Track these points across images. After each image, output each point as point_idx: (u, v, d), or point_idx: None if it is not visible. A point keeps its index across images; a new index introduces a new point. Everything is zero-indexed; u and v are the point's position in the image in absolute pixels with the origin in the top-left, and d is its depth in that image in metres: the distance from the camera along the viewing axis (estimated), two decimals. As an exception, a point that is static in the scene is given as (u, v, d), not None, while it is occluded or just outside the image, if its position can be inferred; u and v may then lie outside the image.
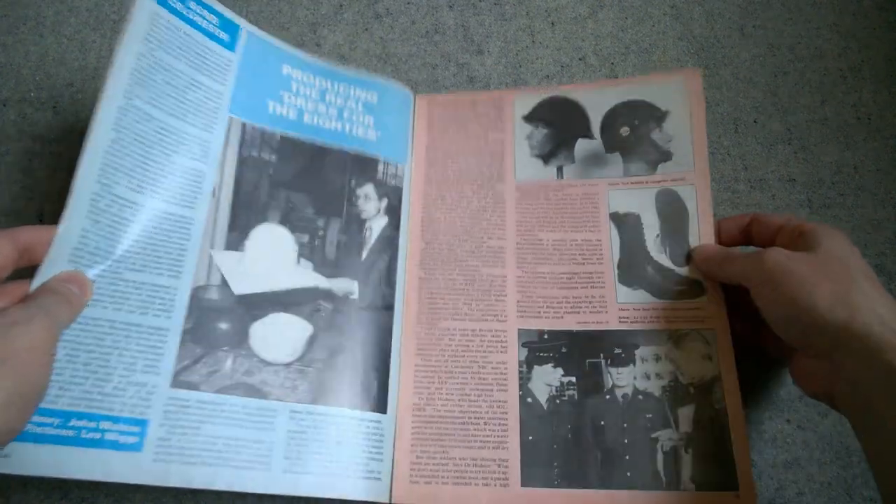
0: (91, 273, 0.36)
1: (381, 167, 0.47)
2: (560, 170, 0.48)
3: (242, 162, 0.44)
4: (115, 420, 0.35)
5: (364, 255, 0.44)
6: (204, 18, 0.45)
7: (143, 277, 0.38)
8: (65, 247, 0.36)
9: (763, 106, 0.54)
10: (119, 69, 0.39)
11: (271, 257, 0.42)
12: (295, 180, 0.45)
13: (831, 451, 0.44)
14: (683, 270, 0.44)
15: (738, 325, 0.43)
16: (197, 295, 0.39)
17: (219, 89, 0.44)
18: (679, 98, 0.47)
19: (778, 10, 0.58)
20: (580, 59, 0.56)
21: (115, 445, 0.35)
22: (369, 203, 0.46)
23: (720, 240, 0.44)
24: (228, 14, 0.46)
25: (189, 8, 0.44)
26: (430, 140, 0.50)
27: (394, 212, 0.46)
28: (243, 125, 0.45)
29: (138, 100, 0.40)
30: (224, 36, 0.45)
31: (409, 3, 0.58)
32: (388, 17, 0.57)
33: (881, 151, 0.52)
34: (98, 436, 0.35)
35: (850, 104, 0.54)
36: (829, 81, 0.55)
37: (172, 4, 0.43)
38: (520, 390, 0.42)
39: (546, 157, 0.48)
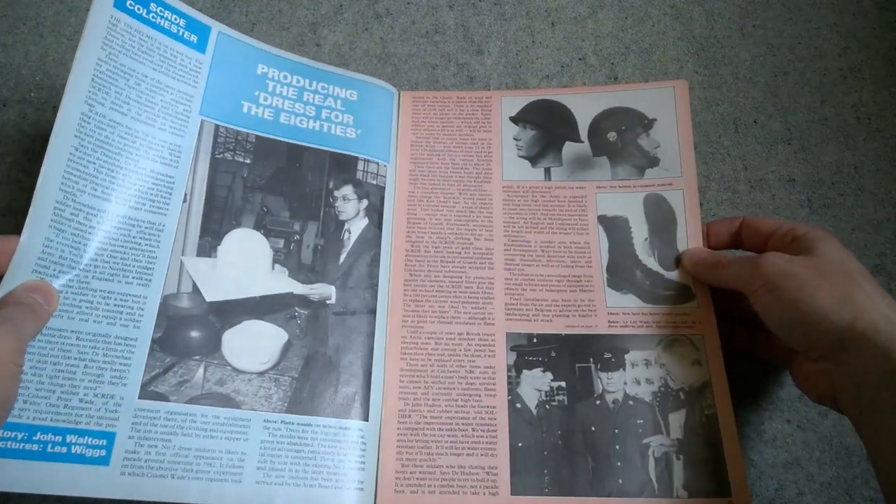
0: (57, 283, 0.36)
1: (361, 166, 0.46)
2: (548, 171, 0.48)
3: (215, 165, 0.43)
4: (82, 433, 0.34)
5: (342, 258, 0.43)
6: (168, 20, 0.44)
7: (112, 286, 0.37)
8: (28, 257, 0.35)
9: (763, 106, 0.54)
10: (79, 76, 0.39)
11: (245, 263, 0.41)
12: (270, 183, 0.44)
13: (831, 451, 0.44)
14: (672, 275, 0.44)
15: (730, 330, 0.43)
16: (167, 303, 0.39)
17: (189, 92, 0.43)
18: (666, 107, 0.48)
19: (778, 10, 0.58)
20: (580, 59, 0.56)
21: (82, 459, 0.34)
22: (348, 204, 0.45)
23: (710, 243, 0.44)
24: (196, 15, 0.45)
25: (151, 11, 0.43)
26: (415, 138, 0.49)
27: (376, 212, 0.45)
28: (216, 127, 0.44)
29: (101, 106, 0.39)
30: (192, 37, 0.45)
31: (409, 3, 0.58)
32: (388, 17, 0.57)
33: (881, 151, 0.52)
34: (64, 450, 0.34)
35: (850, 104, 0.54)
36: (829, 81, 0.55)
37: (132, 8, 0.42)
38: (508, 395, 0.41)
39: (534, 159, 0.48)
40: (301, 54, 0.55)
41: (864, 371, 0.33)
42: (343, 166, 0.46)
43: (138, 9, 0.42)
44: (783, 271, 0.36)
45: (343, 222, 0.44)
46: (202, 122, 0.43)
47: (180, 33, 0.44)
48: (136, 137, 0.40)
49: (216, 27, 0.46)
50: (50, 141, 0.37)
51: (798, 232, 0.39)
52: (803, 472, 0.43)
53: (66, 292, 0.36)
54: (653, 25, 0.57)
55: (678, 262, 0.44)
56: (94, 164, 0.38)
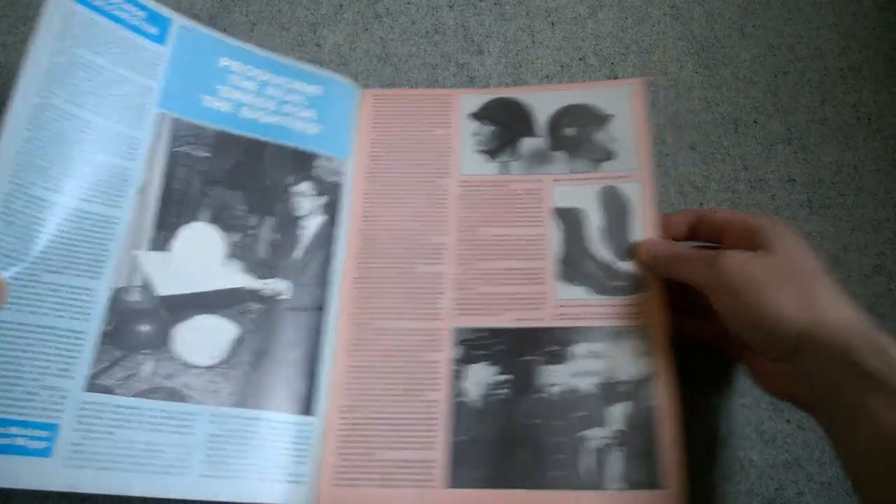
0: (5, 275, 0.35)
1: (320, 163, 0.45)
2: (505, 165, 0.48)
3: (173, 158, 0.42)
4: (25, 425, 0.34)
5: (297, 254, 0.43)
6: (127, 12, 0.43)
7: (61, 279, 0.37)
8: None
9: (763, 106, 0.54)
10: (32, 67, 0.38)
11: (199, 258, 0.41)
12: (229, 177, 0.43)
13: (831, 451, 0.44)
14: (625, 265, 0.44)
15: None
16: (118, 296, 0.38)
17: (147, 84, 0.43)
18: (623, 104, 0.48)
19: (778, 10, 0.58)
20: (580, 59, 0.56)
21: (24, 451, 0.34)
22: (305, 200, 0.44)
23: (667, 234, 0.44)
24: (156, 7, 0.45)
25: (110, 3, 0.42)
26: (375, 136, 0.49)
27: (333, 209, 0.45)
28: (175, 120, 0.43)
29: (56, 98, 0.39)
30: (152, 30, 0.44)
31: (409, 3, 0.58)
32: (388, 17, 0.57)
33: (881, 151, 0.52)
34: (7, 441, 0.34)
35: (850, 104, 0.54)
36: (829, 81, 0.55)
37: (91, 0, 0.41)
38: (453, 389, 0.41)
39: (492, 153, 0.48)
40: (301, 54, 0.55)
41: (823, 373, 0.33)
42: (302, 162, 0.45)
43: (97, 1, 0.42)
44: (742, 272, 0.36)
45: (300, 218, 0.44)
46: (161, 114, 0.43)
47: (139, 25, 0.43)
48: (92, 130, 0.40)
49: (177, 19, 0.46)
50: (1, 133, 0.37)
51: (755, 226, 0.38)
52: (803, 472, 0.43)
53: (15, 285, 0.36)
54: (653, 25, 0.57)
55: (633, 252, 0.44)
56: (47, 156, 0.38)
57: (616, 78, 0.55)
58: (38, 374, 0.35)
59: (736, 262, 0.36)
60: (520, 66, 0.55)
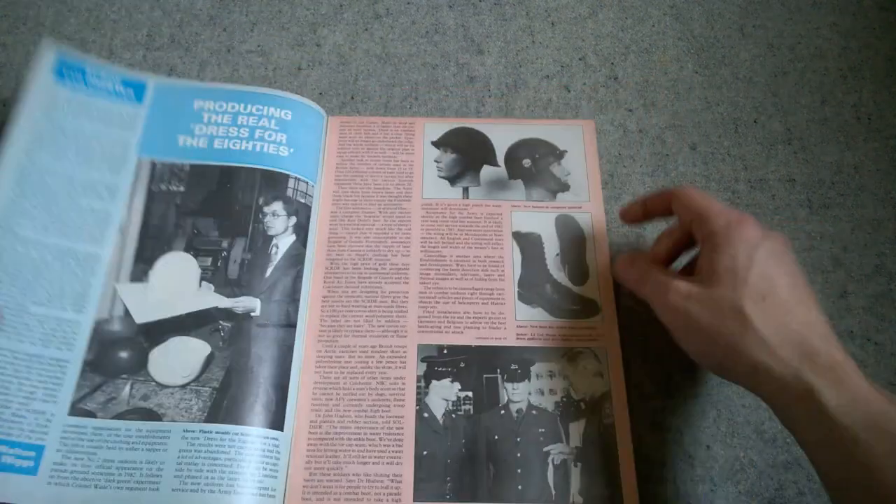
0: None
1: (291, 183, 0.47)
2: (466, 190, 0.50)
3: (151, 197, 0.45)
4: (12, 444, 0.37)
5: (268, 272, 0.44)
6: (105, 83, 0.47)
7: (48, 311, 0.40)
8: None
9: (763, 106, 0.54)
10: (18, 136, 0.43)
11: (174, 284, 0.43)
12: (202, 206, 0.46)
13: (831, 451, 0.44)
14: (580, 289, 0.46)
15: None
16: (100, 327, 0.41)
17: (126, 136, 0.46)
18: (576, 141, 0.52)
19: (778, 10, 0.58)
20: (580, 59, 0.56)
21: (11, 468, 0.37)
22: (277, 220, 0.46)
23: (646, 212, 0.44)
24: (130, 74, 0.49)
25: (87, 81, 0.47)
26: (340, 160, 0.50)
27: (302, 230, 0.46)
28: (153, 163, 0.46)
29: (40, 157, 0.43)
30: (129, 92, 0.48)
31: (409, 3, 0.58)
32: (388, 17, 0.57)
33: (881, 151, 0.52)
34: None
35: (850, 104, 0.54)
36: (829, 81, 0.55)
37: (72, 81, 0.46)
38: (417, 405, 0.42)
39: (453, 179, 0.50)
40: (301, 54, 0.55)
41: (770, 396, 0.34)
42: (274, 183, 0.47)
43: (76, 77, 0.46)
44: (684, 312, 0.36)
45: (272, 237, 0.46)
46: (139, 160, 0.46)
47: (117, 90, 0.48)
48: (75, 180, 0.44)
49: (152, 80, 0.49)
50: None
51: (713, 228, 0.37)
52: (803, 472, 0.43)
53: (6, 314, 0.39)
54: (653, 25, 0.57)
55: (586, 277, 0.46)
56: (34, 205, 0.42)
57: (616, 78, 0.55)
58: (25, 399, 0.38)
59: (676, 300, 0.36)
60: (520, 66, 0.55)
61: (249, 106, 0.49)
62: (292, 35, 0.56)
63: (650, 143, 0.52)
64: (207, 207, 0.46)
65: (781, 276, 0.35)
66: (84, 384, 0.40)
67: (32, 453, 0.37)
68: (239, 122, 0.48)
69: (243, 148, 0.48)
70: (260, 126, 0.48)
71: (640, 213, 0.44)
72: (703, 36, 0.57)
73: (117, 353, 0.41)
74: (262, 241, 0.45)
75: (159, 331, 0.42)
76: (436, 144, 0.51)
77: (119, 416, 0.39)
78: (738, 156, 0.52)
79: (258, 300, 0.43)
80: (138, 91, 0.48)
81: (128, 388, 0.40)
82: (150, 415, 0.39)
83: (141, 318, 0.42)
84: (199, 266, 0.44)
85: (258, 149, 0.48)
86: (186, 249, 0.44)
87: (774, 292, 0.34)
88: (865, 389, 0.30)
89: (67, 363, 0.40)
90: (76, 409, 0.39)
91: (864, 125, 0.53)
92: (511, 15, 0.58)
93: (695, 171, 0.51)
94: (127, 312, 0.42)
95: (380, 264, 0.47)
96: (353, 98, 0.54)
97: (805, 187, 0.51)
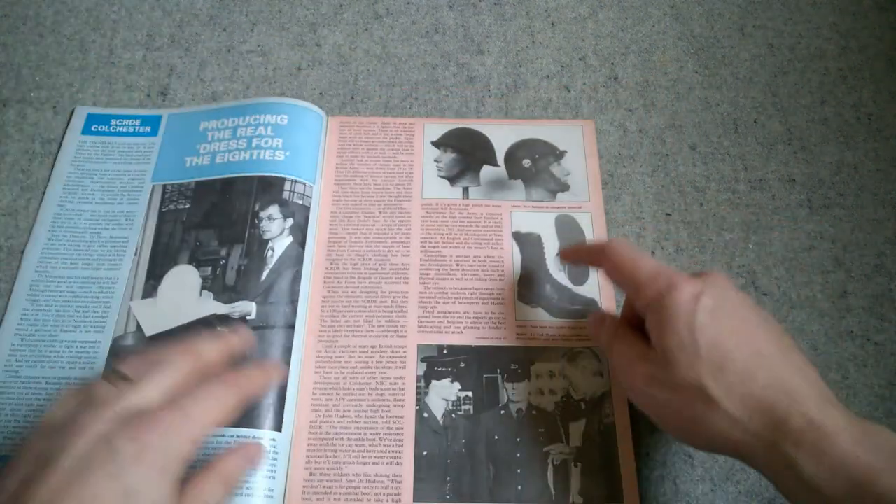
0: (32, 339, 0.43)
1: (287, 186, 0.48)
2: (466, 190, 0.50)
3: (161, 217, 0.48)
4: None
5: (264, 276, 0.45)
6: (126, 125, 0.51)
7: (74, 336, 0.43)
8: (8, 326, 0.44)
9: (763, 106, 0.54)
10: (52, 188, 0.48)
11: (178, 296, 0.45)
12: (204, 219, 0.47)
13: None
14: (580, 289, 0.46)
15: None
16: (116, 344, 0.43)
17: (143, 169, 0.50)
18: (576, 141, 0.52)
19: (778, 10, 0.58)
20: (580, 59, 0.56)
21: None
22: (273, 224, 0.47)
23: (579, 259, 0.44)
24: (148, 112, 0.52)
25: (110, 125, 0.51)
26: (340, 161, 0.51)
27: (300, 231, 0.47)
28: (164, 187, 0.49)
29: (70, 203, 0.48)
30: (146, 128, 0.51)
31: (409, 3, 0.58)
32: (388, 17, 0.57)
33: (881, 151, 0.52)
34: None
35: (850, 104, 0.54)
36: (829, 81, 0.55)
37: (96, 130, 0.51)
38: (417, 405, 0.42)
39: (453, 179, 0.50)
40: (301, 54, 0.55)
41: (756, 466, 0.32)
42: (269, 187, 0.48)
43: (101, 128, 0.51)
44: (647, 396, 0.34)
45: (267, 241, 0.46)
46: (153, 186, 0.49)
47: (136, 130, 0.51)
48: (99, 216, 0.48)
49: (166, 112, 0.52)
50: (29, 236, 0.46)
51: (647, 301, 0.34)
52: (803, 472, 0.43)
53: (40, 346, 0.43)
54: (653, 25, 0.57)
55: (586, 277, 0.46)
56: (64, 245, 0.46)
57: (616, 78, 0.55)
58: None
59: (642, 386, 0.34)
60: (520, 66, 0.55)
61: (247, 117, 0.50)
62: (292, 35, 0.56)
63: (650, 143, 0.52)
64: (208, 220, 0.47)
65: (731, 337, 0.32)
66: None
67: None
68: (238, 135, 0.50)
69: (241, 158, 0.49)
70: (257, 135, 0.49)
71: (573, 261, 0.45)
72: (703, 36, 0.57)
73: None
74: (258, 246, 0.46)
75: (165, 342, 0.43)
76: (436, 144, 0.51)
77: None
78: (738, 156, 0.52)
79: (253, 304, 0.44)
80: (154, 125, 0.51)
81: None
82: None
83: (150, 331, 0.44)
84: (201, 276, 0.45)
85: (255, 157, 0.49)
86: (190, 262, 0.46)
87: (730, 358, 0.31)
88: (843, 455, 0.28)
89: (89, 381, 0.42)
90: None
91: (864, 125, 0.53)
92: (511, 15, 0.58)
93: (695, 171, 0.51)
94: (139, 327, 0.44)
95: (380, 264, 0.47)
96: (353, 98, 0.54)
97: (805, 187, 0.51)
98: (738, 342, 0.32)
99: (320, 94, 0.54)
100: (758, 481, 0.42)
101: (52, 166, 0.49)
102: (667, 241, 0.49)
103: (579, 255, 0.44)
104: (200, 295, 0.45)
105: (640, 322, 0.36)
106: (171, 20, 0.56)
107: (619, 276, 0.37)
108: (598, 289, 0.46)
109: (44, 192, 0.48)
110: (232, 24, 0.56)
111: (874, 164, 0.52)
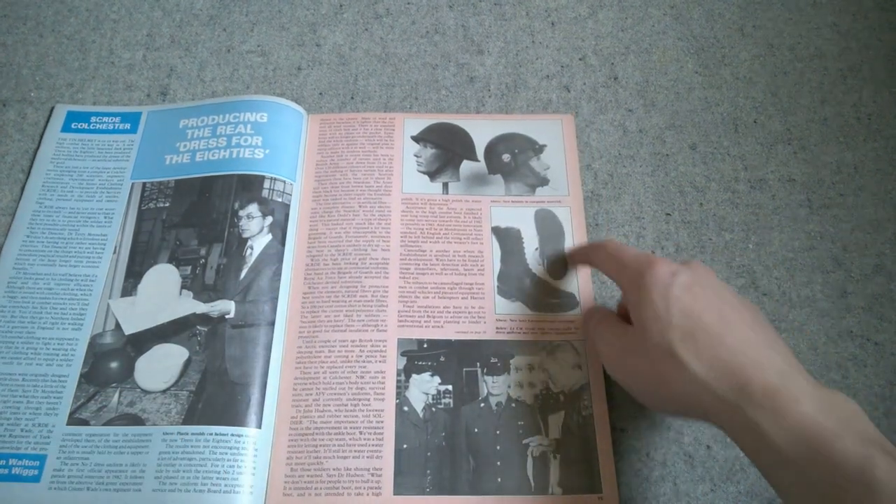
0: (8, 336, 0.43)
1: (267, 184, 0.48)
2: (445, 186, 0.50)
3: (141, 216, 0.48)
4: (20, 457, 0.40)
5: (243, 274, 0.45)
6: (105, 122, 0.51)
7: (51, 333, 0.44)
8: None
9: (763, 106, 0.54)
10: (31, 185, 0.48)
11: (158, 295, 0.45)
12: (183, 218, 0.47)
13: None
14: (559, 283, 0.46)
15: None
16: (94, 342, 0.44)
17: (122, 166, 0.49)
18: (555, 135, 0.52)
19: (778, 10, 0.58)
20: (580, 59, 0.56)
21: (18, 478, 0.40)
22: (252, 222, 0.47)
23: (572, 261, 0.47)
24: (127, 109, 0.52)
25: (90, 123, 0.51)
26: (321, 157, 0.51)
27: (280, 228, 0.47)
28: (143, 185, 0.49)
29: (49, 200, 0.48)
30: (126, 126, 0.51)
31: (409, 3, 0.58)
32: (388, 17, 0.57)
33: (881, 151, 0.52)
34: (6, 471, 0.40)
35: (850, 104, 0.54)
36: (829, 81, 0.55)
37: (76, 128, 0.50)
38: (397, 399, 0.42)
39: (432, 174, 0.50)
40: (301, 54, 0.55)
41: (723, 428, 0.33)
42: (249, 186, 0.48)
43: (81, 125, 0.51)
44: (622, 365, 0.37)
45: (246, 239, 0.46)
46: (132, 184, 0.49)
47: (116, 127, 0.51)
48: (78, 213, 0.48)
49: (146, 109, 0.52)
50: (8, 233, 0.46)
51: (628, 278, 0.37)
52: (803, 472, 0.43)
53: (16, 343, 0.43)
54: (653, 25, 0.57)
55: (565, 271, 0.47)
56: (43, 242, 0.46)
57: (616, 78, 0.55)
58: (32, 414, 0.41)
59: (619, 354, 0.37)
60: (520, 66, 0.55)
61: (227, 115, 0.50)
62: (292, 35, 0.56)
63: (650, 143, 0.52)
64: (188, 218, 0.47)
65: (704, 308, 0.33)
66: (80, 395, 0.42)
67: (37, 462, 0.40)
68: (218, 133, 0.50)
69: (221, 157, 0.49)
70: (237, 133, 0.50)
71: (579, 263, 0.46)
72: (703, 36, 0.57)
73: (108, 364, 0.43)
74: (237, 245, 0.46)
75: (145, 340, 0.44)
76: (415, 139, 0.51)
77: (109, 423, 0.41)
78: (738, 156, 0.52)
79: (232, 302, 0.44)
80: (134, 122, 0.51)
81: (116, 395, 0.42)
82: (135, 420, 0.41)
83: (129, 329, 0.44)
84: (181, 275, 0.45)
85: (234, 155, 0.49)
86: (170, 261, 0.46)
87: (701, 327, 0.33)
88: (802, 418, 0.29)
89: (66, 377, 0.42)
90: (73, 419, 0.41)
91: (864, 125, 0.53)
92: (511, 15, 0.58)
93: (695, 171, 0.51)
94: (118, 325, 0.44)
95: (360, 259, 0.47)
96: (353, 98, 0.54)
97: (805, 187, 0.51)
98: (711, 314, 0.33)
99: (320, 94, 0.54)
100: (758, 481, 0.42)
101: (31, 164, 0.49)
102: (667, 241, 0.49)
103: (580, 255, 0.45)
104: (180, 294, 0.45)
105: (629, 319, 0.37)
106: (171, 20, 0.56)
107: (609, 264, 0.39)
108: (576, 283, 0.46)
109: (22, 189, 0.48)
110: (232, 24, 0.56)
111: (874, 164, 0.52)
